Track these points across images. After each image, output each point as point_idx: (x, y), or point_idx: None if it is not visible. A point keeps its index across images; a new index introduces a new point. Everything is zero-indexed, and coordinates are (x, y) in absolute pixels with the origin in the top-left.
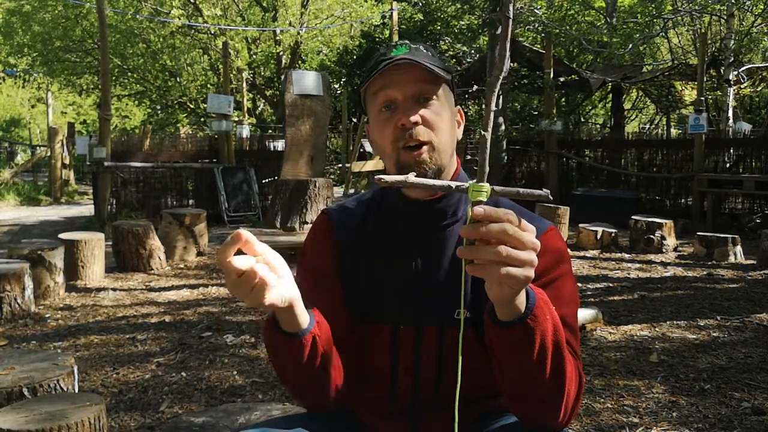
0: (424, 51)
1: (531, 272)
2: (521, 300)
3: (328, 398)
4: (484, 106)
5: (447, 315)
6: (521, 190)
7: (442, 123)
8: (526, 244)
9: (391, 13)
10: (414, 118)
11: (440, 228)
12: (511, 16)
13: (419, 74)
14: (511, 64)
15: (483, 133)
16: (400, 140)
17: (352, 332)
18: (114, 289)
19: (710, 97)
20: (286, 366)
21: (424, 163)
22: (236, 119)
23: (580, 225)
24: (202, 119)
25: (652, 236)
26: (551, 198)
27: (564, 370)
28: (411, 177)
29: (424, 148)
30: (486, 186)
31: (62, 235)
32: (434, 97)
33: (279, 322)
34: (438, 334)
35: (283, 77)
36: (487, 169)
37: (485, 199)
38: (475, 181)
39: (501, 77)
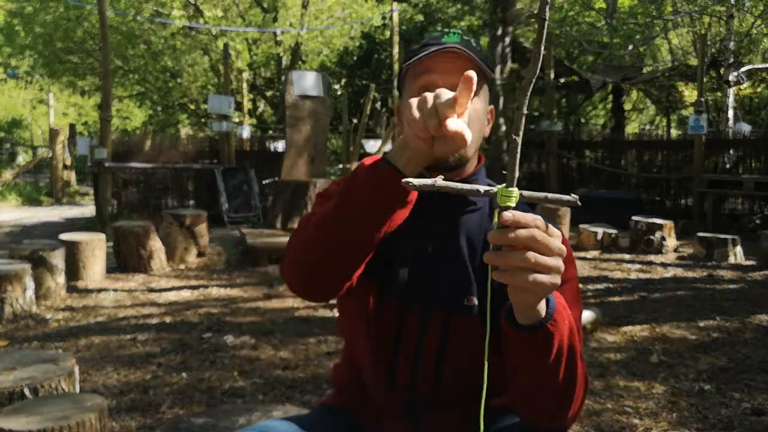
0: (474, 45)
1: (558, 279)
2: (542, 305)
3: (343, 278)
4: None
5: (457, 301)
6: (549, 195)
7: (475, 118)
8: (553, 250)
9: (392, 14)
10: None
11: (461, 214)
12: (547, 18)
13: (465, 66)
14: (512, 65)
15: (513, 137)
16: None
17: (358, 298)
18: (115, 290)
19: (710, 98)
20: (361, 215)
21: None
22: (237, 120)
23: (581, 226)
24: (202, 120)
25: (652, 237)
26: (580, 203)
27: (576, 374)
28: (439, 180)
29: None
30: (515, 191)
31: (63, 236)
32: (476, 92)
33: (389, 157)
34: (445, 319)
35: (283, 78)
36: (517, 173)
37: (514, 205)
38: (504, 185)
39: (534, 80)
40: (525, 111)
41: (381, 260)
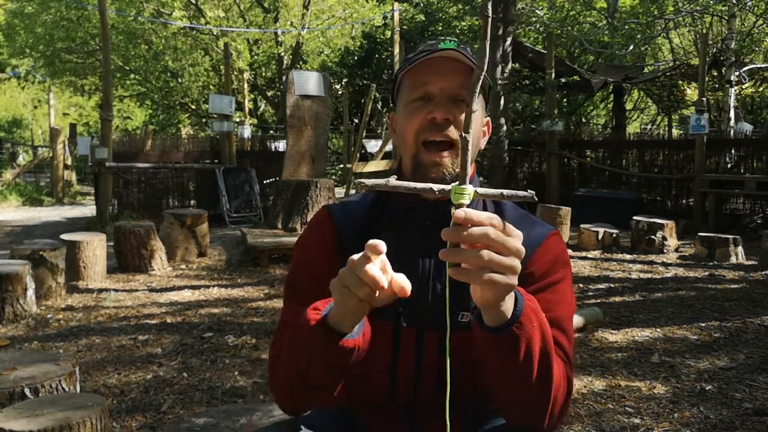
0: (470, 53)
1: (513, 279)
2: (508, 306)
3: (326, 398)
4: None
5: (451, 317)
6: (505, 191)
7: (473, 127)
8: (509, 249)
9: (393, 13)
10: (446, 115)
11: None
12: (490, 15)
13: (462, 74)
14: (513, 65)
15: (463, 134)
16: (426, 132)
17: None
18: (115, 290)
19: (711, 97)
20: (309, 367)
21: (443, 167)
22: (237, 120)
23: (582, 226)
24: (203, 120)
25: (653, 237)
26: (536, 199)
27: (551, 378)
28: (392, 180)
29: (447, 152)
30: (468, 188)
31: (64, 236)
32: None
33: (330, 318)
34: (440, 338)
35: (284, 78)
36: (469, 171)
37: (467, 202)
38: (457, 183)
39: (482, 77)
40: (474, 108)
41: None
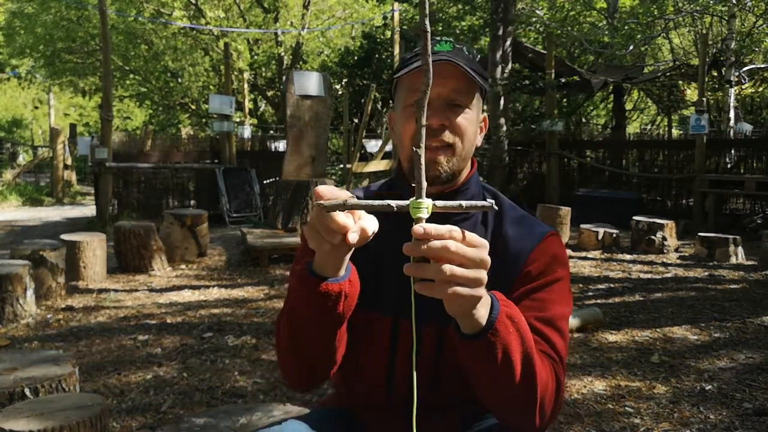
0: (467, 53)
1: (480, 291)
2: (482, 313)
3: (329, 367)
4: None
5: (447, 313)
6: (464, 202)
7: (469, 129)
8: (472, 260)
9: (393, 13)
10: (442, 121)
11: (450, 224)
12: (429, 30)
13: (457, 78)
14: (513, 65)
15: (415, 149)
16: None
17: (350, 320)
18: (115, 290)
19: (711, 97)
20: (303, 321)
21: (439, 165)
22: (237, 120)
23: (582, 226)
24: (203, 120)
25: (653, 237)
26: (496, 207)
27: (534, 380)
28: (350, 200)
29: (442, 151)
30: (425, 202)
31: (64, 236)
32: (467, 103)
33: (314, 265)
34: (437, 332)
35: (284, 78)
36: (425, 184)
37: (425, 216)
38: (414, 198)
39: (428, 92)
40: (424, 123)
41: (371, 278)
